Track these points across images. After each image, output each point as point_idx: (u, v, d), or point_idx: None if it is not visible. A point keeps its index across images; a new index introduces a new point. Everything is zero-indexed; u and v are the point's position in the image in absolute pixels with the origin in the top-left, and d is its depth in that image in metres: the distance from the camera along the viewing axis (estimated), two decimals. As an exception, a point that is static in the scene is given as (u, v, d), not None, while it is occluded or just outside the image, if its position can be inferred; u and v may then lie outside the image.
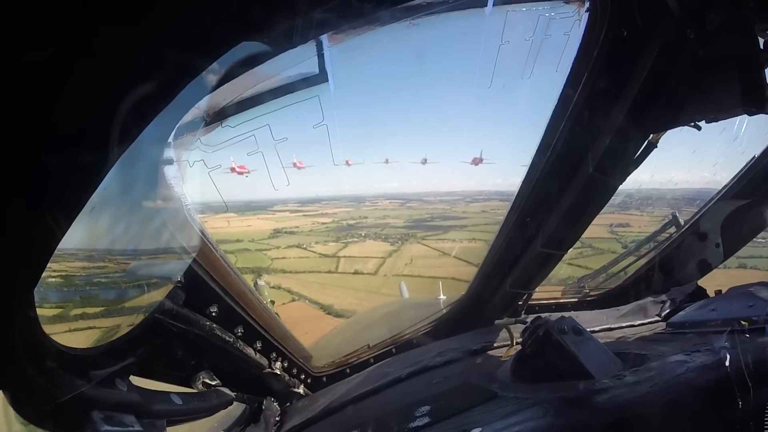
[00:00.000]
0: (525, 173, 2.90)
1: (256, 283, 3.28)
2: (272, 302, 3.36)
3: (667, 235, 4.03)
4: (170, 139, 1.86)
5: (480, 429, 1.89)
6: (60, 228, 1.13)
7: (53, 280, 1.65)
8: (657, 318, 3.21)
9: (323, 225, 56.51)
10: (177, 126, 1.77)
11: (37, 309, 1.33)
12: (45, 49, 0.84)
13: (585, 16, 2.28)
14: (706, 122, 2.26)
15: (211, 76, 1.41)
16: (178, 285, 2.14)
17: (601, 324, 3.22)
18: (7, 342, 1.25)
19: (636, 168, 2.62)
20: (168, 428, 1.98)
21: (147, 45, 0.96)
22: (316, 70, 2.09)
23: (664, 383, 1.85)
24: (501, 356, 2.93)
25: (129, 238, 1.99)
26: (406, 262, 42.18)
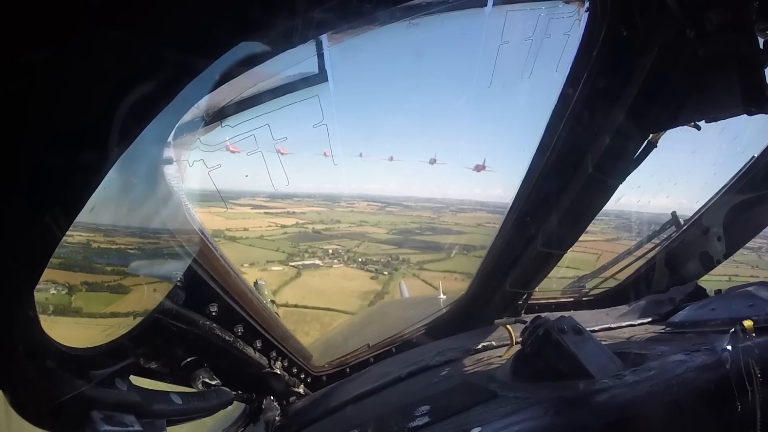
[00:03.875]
0: (524, 173, 2.90)
1: (256, 283, 3.28)
2: (272, 302, 3.36)
3: (667, 235, 4.04)
4: (170, 139, 1.86)
5: (480, 428, 1.89)
6: (60, 228, 1.14)
7: (53, 279, 1.65)
8: (657, 317, 3.22)
9: (281, 229, 42.64)
10: (177, 126, 1.77)
11: (37, 309, 1.33)
12: (45, 49, 0.84)
13: (585, 16, 2.28)
14: (706, 122, 2.27)
15: (211, 76, 1.41)
16: (178, 284, 2.14)
17: (600, 323, 3.22)
18: (7, 342, 1.25)
19: (636, 168, 2.63)
20: (168, 428, 1.98)
21: (147, 45, 0.96)
22: (316, 70, 2.09)
23: (664, 383, 1.85)
24: (501, 356, 2.93)
25: (129, 238, 1.99)
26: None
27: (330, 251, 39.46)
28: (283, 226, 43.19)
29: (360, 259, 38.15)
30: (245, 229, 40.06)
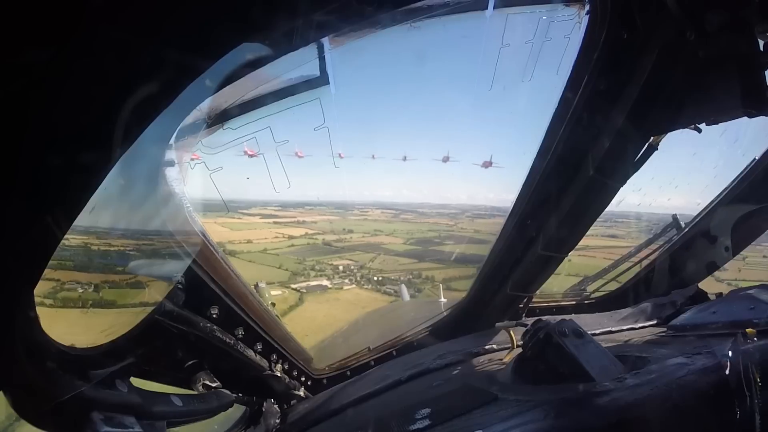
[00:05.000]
0: (525, 176, 2.90)
1: (256, 285, 3.28)
2: (273, 304, 3.36)
3: (668, 238, 4.03)
4: (172, 141, 1.87)
5: (480, 431, 1.89)
6: (60, 228, 1.14)
7: (53, 279, 1.65)
8: (658, 321, 3.21)
9: (288, 241, 38.12)
10: (178, 128, 1.78)
11: (37, 309, 1.33)
12: (45, 49, 0.84)
13: (585, 19, 2.28)
14: (707, 124, 2.26)
15: (212, 78, 1.41)
16: (179, 286, 2.14)
17: (601, 327, 3.21)
18: (7, 342, 1.25)
19: (637, 170, 2.63)
20: (168, 430, 1.98)
21: (147, 45, 0.96)
22: (317, 73, 2.09)
23: (665, 386, 1.84)
24: (501, 359, 2.93)
25: (129, 238, 2.00)
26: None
27: (340, 268, 33.72)
28: (290, 237, 38.58)
29: (376, 278, 31.35)
30: (248, 242, 35.81)
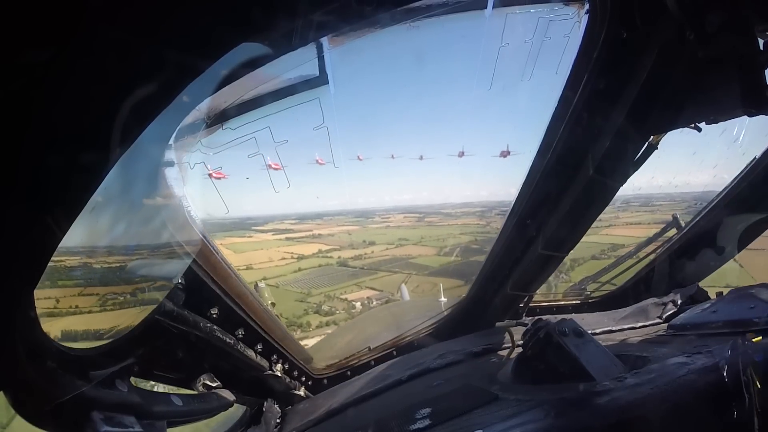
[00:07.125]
0: (525, 175, 2.90)
1: (256, 285, 3.28)
2: (273, 304, 3.36)
3: (668, 237, 4.03)
4: (171, 141, 1.87)
5: (481, 431, 1.89)
6: (60, 228, 1.14)
7: (54, 280, 1.65)
8: (658, 320, 3.21)
9: (296, 264, 31.73)
10: (178, 128, 1.78)
11: (37, 309, 1.33)
12: (45, 49, 0.84)
13: (584, 18, 2.28)
14: (707, 124, 2.26)
15: (211, 78, 1.41)
16: (179, 286, 2.14)
17: (602, 326, 3.21)
18: (7, 342, 1.25)
19: (636, 170, 2.62)
20: (168, 429, 1.98)
21: (147, 45, 0.96)
22: (317, 73, 2.09)
23: (665, 385, 1.84)
24: (502, 358, 2.93)
25: (129, 239, 2.00)
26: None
27: (357, 306, 24.89)
28: (299, 258, 31.92)
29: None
30: (248, 268, 29.29)
